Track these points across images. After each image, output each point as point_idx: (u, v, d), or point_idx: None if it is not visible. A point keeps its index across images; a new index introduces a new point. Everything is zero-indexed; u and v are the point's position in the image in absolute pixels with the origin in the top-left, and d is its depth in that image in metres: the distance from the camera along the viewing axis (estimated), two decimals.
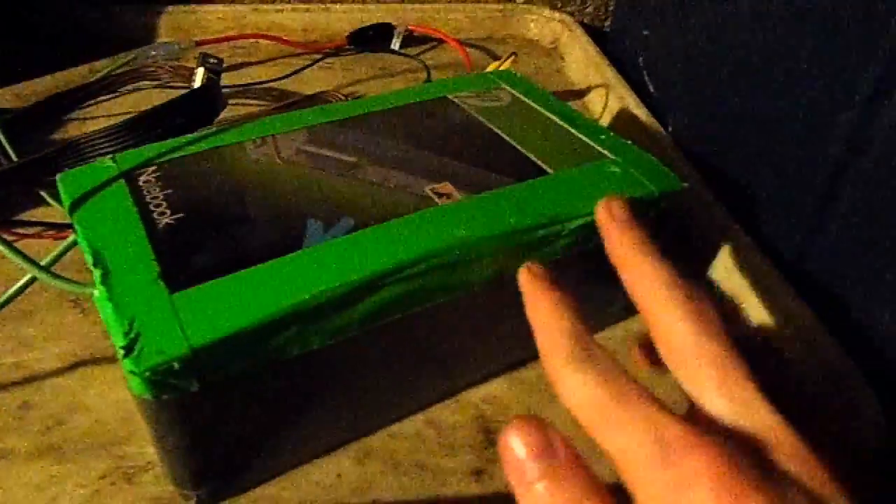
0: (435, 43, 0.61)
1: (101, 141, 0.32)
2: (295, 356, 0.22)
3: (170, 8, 0.58)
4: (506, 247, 0.25)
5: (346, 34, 0.58)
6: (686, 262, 0.37)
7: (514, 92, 0.35)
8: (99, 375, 0.29)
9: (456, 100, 0.34)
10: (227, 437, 0.23)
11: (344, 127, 0.31)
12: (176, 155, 0.28)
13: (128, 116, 0.48)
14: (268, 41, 0.58)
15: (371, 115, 0.32)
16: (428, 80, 0.48)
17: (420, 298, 0.24)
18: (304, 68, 0.52)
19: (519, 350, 0.30)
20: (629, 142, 0.31)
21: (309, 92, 0.52)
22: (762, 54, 0.35)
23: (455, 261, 0.24)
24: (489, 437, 0.28)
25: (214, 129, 0.30)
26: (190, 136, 0.30)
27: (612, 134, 0.32)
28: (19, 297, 0.27)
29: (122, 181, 0.26)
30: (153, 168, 0.27)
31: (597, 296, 0.32)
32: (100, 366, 0.30)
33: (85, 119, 0.48)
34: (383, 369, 0.26)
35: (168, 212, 0.25)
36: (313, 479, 0.26)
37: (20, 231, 0.36)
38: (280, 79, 0.51)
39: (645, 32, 0.50)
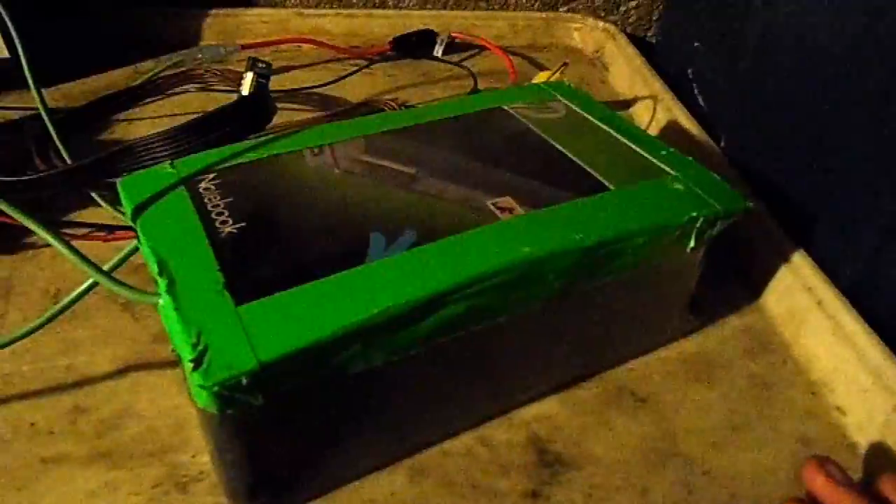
0: (477, 50, 0.61)
1: (156, 145, 0.32)
2: (357, 371, 0.22)
3: (214, 11, 0.59)
4: (569, 265, 0.25)
5: (389, 40, 0.58)
6: (741, 281, 0.37)
7: (569, 104, 0.35)
8: (150, 381, 0.29)
9: (511, 111, 0.34)
10: (284, 452, 0.23)
11: (401, 136, 0.31)
12: (234, 162, 0.28)
13: (173, 119, 0.49)
14: (310, 45, 0.58)
15: (427, 124, 0.32)
16: (475, 87, 0.47)
17: (482, 316, 0.24)
18: (348, 75, 0.51)
19: (571, 370, 0.30)
20: (690, 158, 0.31)
21: (352, 97, 0.52)
22: (829, 69, 0.34)
23: (519, 278, 0.24)
24: (542, 457, 0.27)
25: (271, 136, 0.30)
26: (247, 142, 0.29)
27: (672, 150, 0.31)
28: None
29: (183, 188, 0.26)
30: (213, 175, 0.27)
31: (653, 314, 0.31)
32: (150, 371, 0.30)
33: (131, 120, 0.48)
34: (439, 385, 0.26)
35: (230, 220, 0.24)
36: (366, 496, 0.25)
37: (70, 232, 0.37)
38: (324, 85, 0.51)
39: (696, 44, 0.49)
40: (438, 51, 0.58)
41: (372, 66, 0.57)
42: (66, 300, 0.25)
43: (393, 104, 0.43)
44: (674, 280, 0.30)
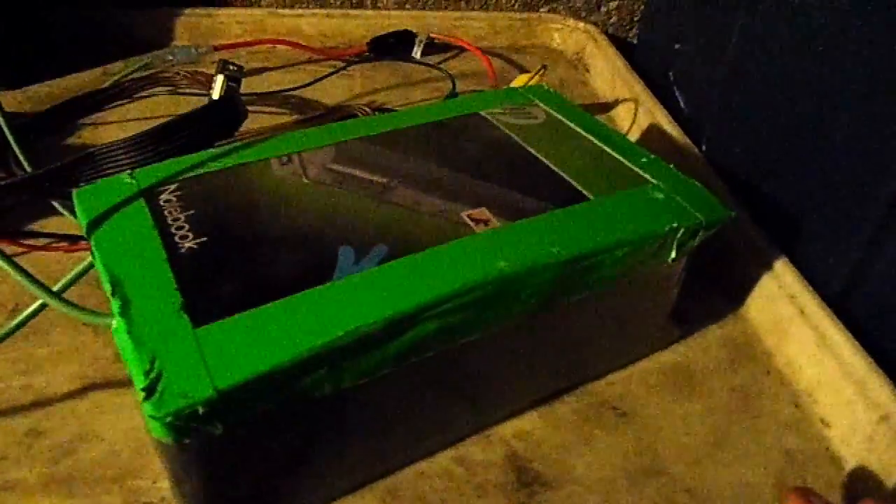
0: (456, 51, 0.60)
1: (119, 153, 0.31)
2: (322, 395, 0.21)
3: (186, 10, 0.57)
4: (547, 279, 0.24)
5: (366, 41, 0.57)
6: (723, 290, 0.36)
7: (547, 109, 0.34)
8: (111, 401, 0.28)
9: (488, 117, 0.33)
10: (248, 480, 0.22)
11: (373, 144, 0.30)
12: (198, 172, 0.27)
13: (142, 123, 0.47)
14: (285, 46, 0.56)
15: (401, 131, 0.31)
16: (453, 90, 0.46)
17: (456, 333, 0.23)
18: (324, 77, 0.50)
19: (551, 384, 0.29)
20: (672, 166, 0.30)
21: (328, 100, 0.50)
22: (811, 73, 0.33)
23: (494, 294, 0.23)
24: (521, 476, 0.26)
25: (238, 144, 0.29)
26: (212, 151, 0.28)
27: (653, 156, 0.30)
28: None
29: (142, 200, 0.25)
30: (174, 186, 0.26)
31: (634, 327, 0.30)
32: (113, 390, 0.28)
33: (97, 124, 0.47)
34: (413, 406, 0.25)
35: (190, 235, 0.23)
36: None
37: (30, 243, 0.35)
38: (299, 87, 0.50)
39: (676, 46, 0.49)
40: (417, 52, 0.57)
41: (349, 68, 0.56)
42: (16, 320, 0.24)
43: (366, 109, 0.41)
44: (655, 291, 0.29)
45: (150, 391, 0.18)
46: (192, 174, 0.27)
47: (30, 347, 0.30)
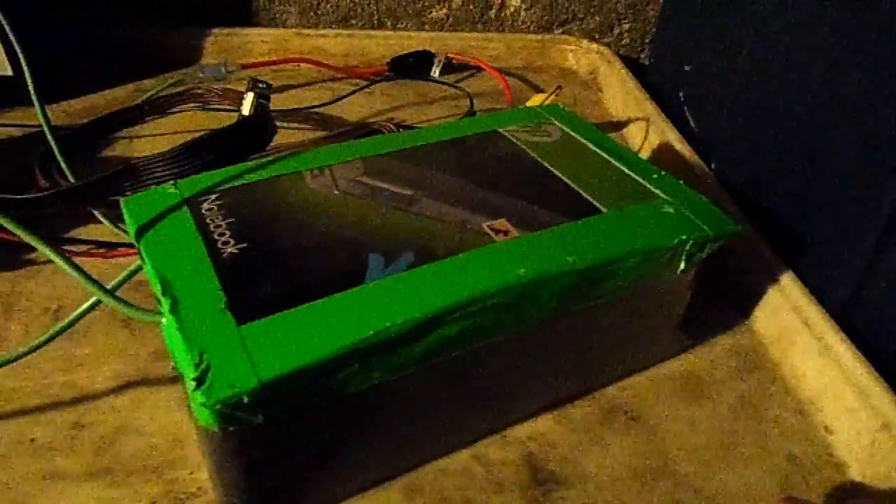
0: (473, 71, 0.62)
1: (158, 165, 0.33)
2: (353, 391, 0.22)
3: (215, 30, 0.60)
4: (563, 286, 0.25)
5: (387, 60, 0.59)
6: (731, 301, 0.37)
7: (563, 127, 0.36)
8: (149, 397, 0.30)
9: (506, 134, 0.34)
10: (281, 469, 0.23)
11: (398, 159, 0.32)
12: (236, 183, 0.29)
13: (173, 137, 0.49)
14: (309, 65, 0.59)
15: (424, 147, 0.33)
16: (471, 108, 0.48)
17: (477, 336, 0.24)
18: (346, 95, 0.52)
19: (565, 388, 0.30)
20: (681, 181, 0.31)
21: (350, 117, 0.52)
22: (819, 94, 0.35)
23: (514, 299, 0.24)
24: (536, 475, 0.28)
25: (272, 157, 0.31)
26: (248, 164, 0.30)
27: (664, 173, 0.32)
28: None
29: (186, 208, 0.27)
30: (216, 196, 0.28)
31: (645, 334, 0.32)
32: (150, 388, 0.30)
33: (131, 138, 0.49)
34: (435, 404, 0.26)
35: (232, 241, 0.25)
36: None
37: (70, 249, 0.37)
38: (323, 105, 0.52)
39: (686, 67, 0.50)
40: (435, 71, 0.59)
41: (370, 87, 0.58)
42: (70, 317, 0.25)
43: (390, 126, 0.43)
44: (665, 301, 0.31)
45: (200, 381, 0.19)
46: (230, 185, 0.28)
47: (71, 347, 0.32)
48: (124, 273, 0.26)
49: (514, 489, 0.27)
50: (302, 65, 0.60)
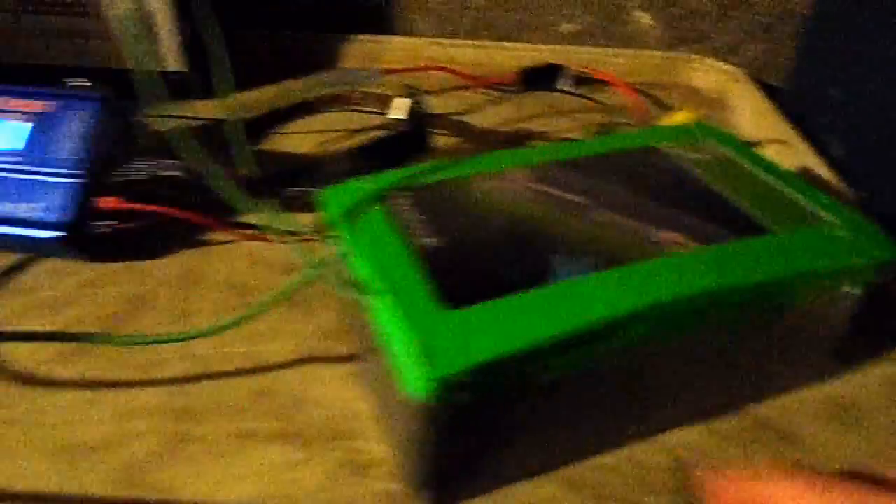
0: (599, 85, 0.63)
1: (338, 162, 0.35)
2: (540, 382, 0.24)
3: (360, 36, 0.63)
4: (736, 301, 0.26)
5: (516, 72, 0.61)
6: (887, 330, 0.37)
7: (721, 146, 0.36)
8: (322, 374, 0.32)
9: (665, 150, 0.36)
10: (465, 448, 0.25)
11: (564, 168, 0.33)
12: (423, 182, 0.31)
13: (320, 135, 0.53)
14: (441, 73, 0.61)
15: (587, 158, 0.34)
16: (611, 122, 0.49)
17: (653, 341, 0.26)
18: (482, 104, 0.55)
19: (716, 400, 0.31)
20: (849, 205, 0.32)
21: (483, 124, 0.55)
22: None
23: (690, 309, 0.25)
24: (686, 481, 0.28)
25: (448, 161, 0.33)
26: (425, 165, 0.32)
27: (830, 197, 0.32)
28: None
29: (378, 202, 0.29)
30: (403, 192, 0.30)
31: (801, 355, 0.32)
32: (322, 364, 0.33)
33: (283, 134, 0.53)
34: (601, 403, 0.27)
35: (426, 234, 0.27)
36: (525, 499, 0.27)
37: (246, 232, 0.40)
38: (462, 113, 0.54)
39: (831, 91, 0.50)
40: (564, 84, 0.60)
41: (500, 95, 0.60)
42: (288, 286, 0.28)
43: (553, 138, 0.45)
44: (825, 324, 0.31)
45: (419, 359, 0.22)
46: (415, 184, 0.31)
47: (251, 324, 0.35)
48: (332, 258, 0.28)
49: (665, 492, 0.28)
50: (431, 72, 0.62)
